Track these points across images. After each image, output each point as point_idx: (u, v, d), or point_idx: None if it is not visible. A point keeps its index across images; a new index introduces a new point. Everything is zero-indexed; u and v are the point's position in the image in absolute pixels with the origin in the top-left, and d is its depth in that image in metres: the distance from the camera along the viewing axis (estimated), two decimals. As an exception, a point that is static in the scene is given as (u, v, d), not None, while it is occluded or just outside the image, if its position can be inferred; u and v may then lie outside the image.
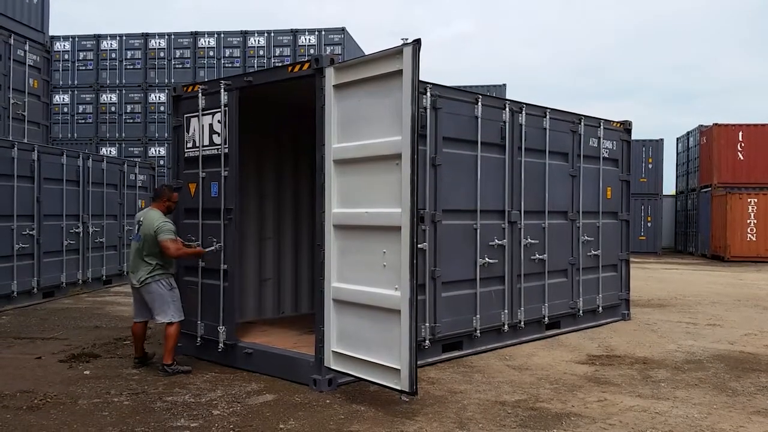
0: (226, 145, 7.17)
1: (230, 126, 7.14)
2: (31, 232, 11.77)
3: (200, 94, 7.45)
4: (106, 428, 5.22)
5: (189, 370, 6.94)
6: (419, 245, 6.94)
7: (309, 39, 27.61)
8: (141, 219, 7.11)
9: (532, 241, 8.64)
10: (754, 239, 24.80)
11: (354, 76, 5.91)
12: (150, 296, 6.93)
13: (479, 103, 7.86)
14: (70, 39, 28.98)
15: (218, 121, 7.24)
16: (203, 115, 7.44)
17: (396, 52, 5.40)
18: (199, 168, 7.50)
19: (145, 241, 6.93)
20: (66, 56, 28.78)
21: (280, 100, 8.54)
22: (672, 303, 12.71)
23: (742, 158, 26.06)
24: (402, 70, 5.35)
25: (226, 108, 7.15)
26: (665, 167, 29.67)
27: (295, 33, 27.81)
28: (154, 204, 7.25)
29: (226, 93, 7.14)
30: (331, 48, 27.16)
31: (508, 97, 29.37)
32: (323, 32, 27.60)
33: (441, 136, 7.42)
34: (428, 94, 7.23)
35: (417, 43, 5.22)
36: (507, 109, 8.27)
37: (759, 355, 8.13)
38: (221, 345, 7.16)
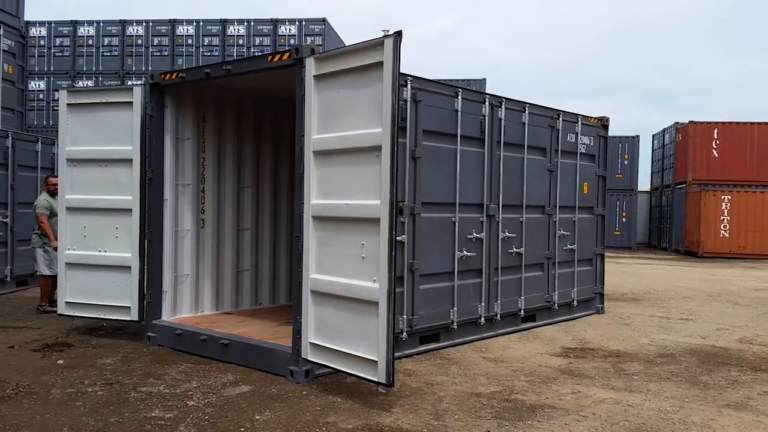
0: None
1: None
2: (5, 220, 11.60)
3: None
4: (80, 418, 5.17)
5: (53, 311, 8.93)
6: (398, 238, 6.96)
7: (289, 29, 27.47)
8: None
9: (510, 235, 8.69)
10: (727, 235, 25.17)
11: (335, 66, 5.89)
12: (35, 255, 9.98)
13: (459, 97, 7.88)
14: (47, 24, 28.52)
15: None
16: None
17: (377, 44, 5.39)
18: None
19: (34, 214, 9.91)
20: (42, 42, 28.34)
21: (260, 89, 8.50)
22: (646, 297, 12.88)
23: (716, 155, 26.42)
24: (383, 61, 5.34)
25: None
26: (641, 163, 30.05)
27: (275, 22, 27.64)
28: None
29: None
30: (312, 38, 27.05)
31: (488, 92, 29.59)
32: (304, 22, 27.47)
33: (421, 129, 7.42)
34: (409, 86, 7.22)
35: (398, 35, 5.22)
36: (487, 103, 8.29)
37: (730, 349, 8.27)
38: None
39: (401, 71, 6.90)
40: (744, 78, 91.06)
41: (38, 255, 9.79)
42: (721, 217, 25.26)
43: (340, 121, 5.87)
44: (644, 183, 34.07)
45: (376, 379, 5.47)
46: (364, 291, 5.56)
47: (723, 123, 26.58)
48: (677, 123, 28.79)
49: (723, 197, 25.29)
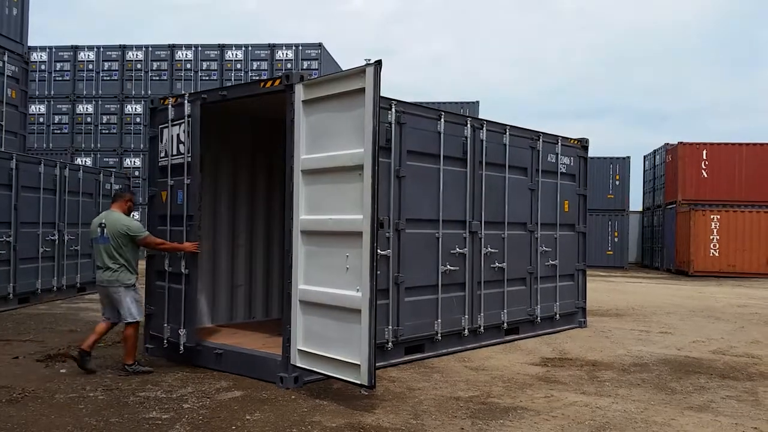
0: (189, 154, 7.55)
1: (193, 135, 7.51)
2: (7, 239, 11.99)
3: (170, 106, 7.83)
4: (83, 419, 5.55)
5: (150, 370, 7.21)
6: (383, 252, 7.40)
7: (286, 53, 28.07)
8: (103, 221, 7.32)
9: (492, 250, 9.11)
10: (717, 254, 25.58)
11: (321, 92, 6.35)
12: (117, 296, 7.22)
13: (442, 119, 8.34)
14: (47, 49, 29.11)
15: (184, 131, 7.63)
16: (172, 125, 7.83)
17: (359, 72, 5.85)
18: (167, 176, 7.88)
19: (114, 242, 7.20)
20: (43, 66, 28.91)
21: (254, 112, 8.95)
22: (629, 313, 13.26)
23: (705, 176, 26.92)
24: (365, 87, 5.80)
25: (190, 118, 7.53)
26: (632, 184, 30.56)
27: (272, 47, 28.24)
28: (114, 205, 7.54)
29: (189, 104, 7.53)
30: (308, 63, 27.66)
31: (482, 112, 30.20)
32: (300, 47, 28.08)
33: (405, 150, 7.85)
34: (393, 110, 7.66)
35: (378, 63, 5.68)
36: (468, 125, 8.75)
37: (702, 359, 8.65)
38: (182, 347, 7.47)
39: (386, 95, 7.44)
40: (736, 99, 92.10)
41: (126, 295, 7.24)
42: (711, 237, 25.69)
43: (326, 142, 6.32)
44: (636, 203, 34.62)
45: (359, 382, 5.86)
46: (348, 300, 5.96)
47: (712, 144, 27.11)
48: (667, 144, 29.33)
49: (712, 217, 25.74)
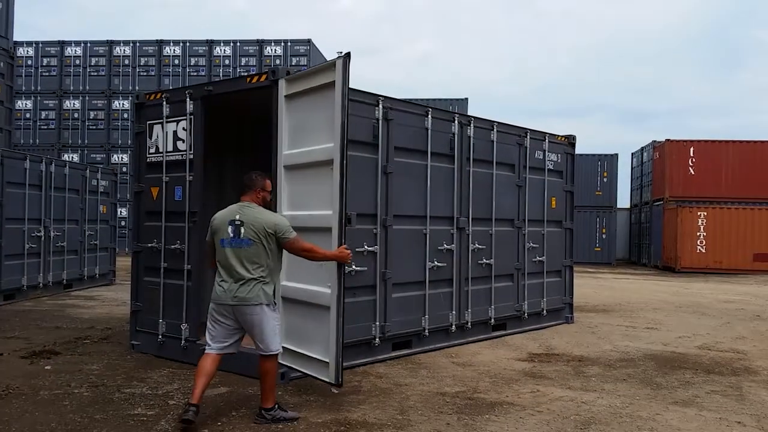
0: (191, 152, 7.53)
1: (195, 133, 7.50)
2: (-8, 236, 11.91)
3: (164, 102, 7.79)
4: (67, 416, 5.51)
5: (296, 416, 5.53)
6: (370, 248, 7.42)
7: (275, 50, 27.97)
8: (238, 217, 5.45)
9: (480, 247, 9.12)
10: (703, 251, 25.73)
11: (301, 87, 6.33)
12: (256, 319, 5.37)
13: (429, 116, 8.34)
14: (34, 45, 28.86)
15: (183, 129, 7.58)
16: (167, 122, 7.78)
17: (331, 65, 5.80)
18: (162, 173, 7.84)
19: (257, 246, 5.39)
20: (29, 62, 28.66)
21: (241, 107, 8.91)
22: (616, 309, 13.32)
23: (693, 173, 27.06)
24: (335, 81, 5.75)
25: (192, 116, 7.51)
26: (620, 181, 30.69)
27: (261, 43, 28.13)
28: (245, 197, 5.61)
29: (191, 102, 7.50)
30: (297, 59, 27.59)
31: (470, 111, 30.22)
32: (289, 43, 27.98)
33: (393, 146, 7.84)
34: (380, 106, 7.64)
35: (347, 56, 5.63)
36: (456, 121, 8.76)
37: (688, 354, 8.70)
38: (183, 342, 7.49)
39: (373, 92, 7.45)
40: (722, 99, 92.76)
41: (269, 319, 5.42)
42: (698, 233, 25.83)
43: (304, 137, 6.28)
44: (624, 200, 34.78)
45: (328, 380, 5.81)
46: (320, 296, 5.88)
47: (699, 141, 27.27)
48: (654, 141, 29.47)
49: (699, 214, 25.89)
